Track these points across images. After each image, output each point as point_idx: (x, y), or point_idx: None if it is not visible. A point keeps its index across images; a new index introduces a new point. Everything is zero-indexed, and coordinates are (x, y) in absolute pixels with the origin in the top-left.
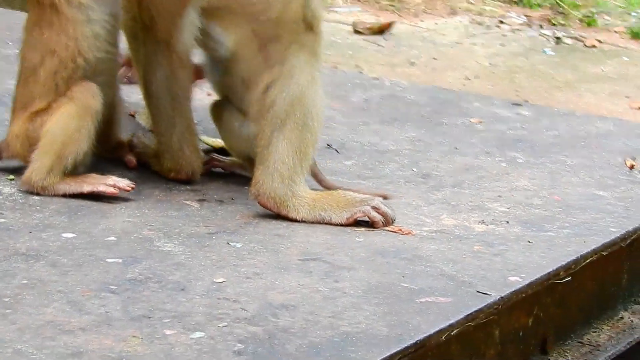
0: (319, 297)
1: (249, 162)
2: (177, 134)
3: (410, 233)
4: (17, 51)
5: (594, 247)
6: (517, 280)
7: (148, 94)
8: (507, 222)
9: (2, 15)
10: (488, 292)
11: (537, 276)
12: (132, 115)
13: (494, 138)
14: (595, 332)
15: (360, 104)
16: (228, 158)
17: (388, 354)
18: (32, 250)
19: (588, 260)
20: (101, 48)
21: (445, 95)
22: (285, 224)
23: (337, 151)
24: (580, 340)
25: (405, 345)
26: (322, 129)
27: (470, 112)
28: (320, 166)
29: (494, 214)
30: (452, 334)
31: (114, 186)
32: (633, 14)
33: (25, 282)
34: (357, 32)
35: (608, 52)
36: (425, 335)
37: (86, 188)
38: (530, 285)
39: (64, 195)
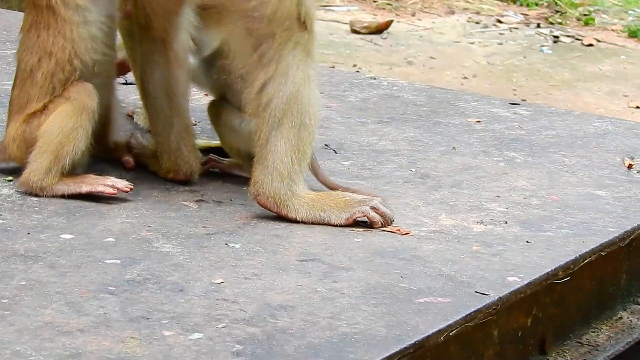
0: (318, 298)
1: (250, 160)
2: (174, 134)
3: (408, 233)
4: (15, 52)
5: (592, 247)
6: (516, 281)
7: (145, 94)
8: (506, 222)
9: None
10: (487, 293)
11: (536, 276)
12: (130, 116)
13: (492, 138)
14: (594, 332)
15: (357, 103)
16: (226, 159)
17: (387, 354)
18: (31, 251)
19: (587, 260)
20: (98, 50)
21: (442, 94)
22: (283, 224)
23: (335, 151)
24: (579, 340)
25: (404, 345)
26: (318, 128)
27: (468, 112)
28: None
29: (492, 214)
30: (450, 334)
31: (112, 187)
32: (630, 12)
33: (23, 283)
34: (354, 31)
35: (606, 50)
36: (423, 335)
37: (85, 188)
38: (529, 285)
39: (62, 196)
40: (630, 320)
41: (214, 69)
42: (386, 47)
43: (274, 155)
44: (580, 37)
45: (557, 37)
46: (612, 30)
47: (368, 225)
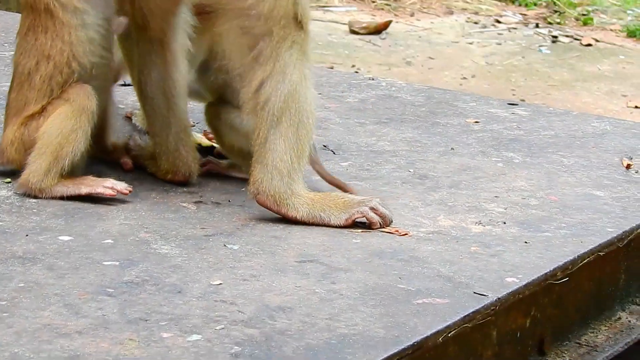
0: (316, 299)
1: (251, 160)
2: (172, 134)
3: (407, 234)
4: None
5: (591, 247)
6: (514, 281)
7: (143, 95)
8: (504, 223)
9: None
10: (485, 293)
11: (534, 277)
12: (129, 117)
13: (490, 138)
14: (592, 332)
15: (356, 104)
16: (224, 161)
17: (385, 355)
18: (29, 253)
19: (585, 261)
20: (96, 52)
21: (441, 95)
22: (282, 226)
23: (333, 152)
24: (577, 340)
25: (402, 347)
26: (316, 127)
27: (467, 112)
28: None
29: (490, 214)
30: (449, 335)
31: (112, 188)
32: (629, 12)
33: (22, 285)
34: (353, 31)
35: (604, 50)
36: (422, 336)
37: (84, 190)
38: (527, 286)
39: (61, 198)
40: (629, 321)
41: (209, 71)
42: (385, 47)
43: (273, 153)
44: (578, 37)
45: (555, 37)
46: (611, 30)
47: (367, 226)
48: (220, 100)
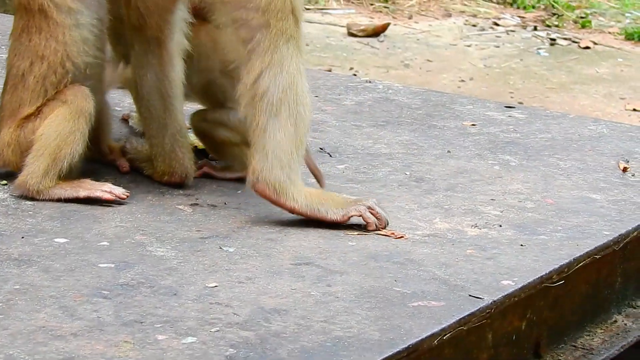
0: (311, 302)
1: (243, 157)
2: (168, 136)
3: (402, 237)
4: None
5: (587, 250)
6: (510, 284)
7: (139, 96)
8: (500, 226)
9: None
10: (481, 296)
11: (530, 280)
12: (125, 120)
13: (486, 141)
14: (588, 335)
15: (352, 107)
16: (220, 163)
17: (380, 358)
18: (25, 255)
19: (581, 264)
20: (89, 52)
21: (438, 98)
22: (277, 228)
23: (329, 155)
24: (573, 343)
25: (398, 349)
26: (311, 120)
27: (463, 115)
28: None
29: (487, 217)
30: (444, 338)
31: (110, 192)
32: (627, 14)
33: (17, 287)
34: (351, 34)
35: (602, 53)
36: (417, 339)
37: (82, 193)
38: (523, 288)
39: (59, 200)
40: (625, 324)
41: (193, 71)
42: (383, 50)
43: (273, 143)
44: (577, 40)
45: (553, 39)
46: (609, 32)
47: (362, 227)
48: (204, 102)
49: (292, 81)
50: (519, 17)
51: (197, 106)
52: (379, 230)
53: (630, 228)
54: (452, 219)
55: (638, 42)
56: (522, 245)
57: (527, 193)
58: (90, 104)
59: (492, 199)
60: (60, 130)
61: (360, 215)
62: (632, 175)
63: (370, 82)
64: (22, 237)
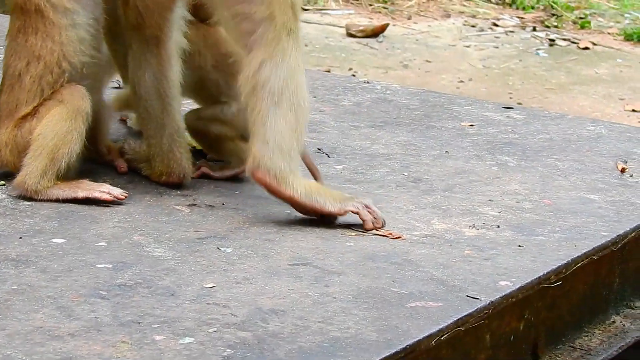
0: (309, 302)
1: (239, 154)
2: (166, 136)
3: (400, 237)
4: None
5: (585, 251)
6: (508, 285)
7: (137, 96)
8: (498, 227)
9: None
10: (478, 297)
11: (528, 280)
12: (124, 120)
13: (485, 142)
14: (586, 336)
15: (351, 107)
16: (217, 163)
17: (378, 359)
18: (22, 255)
19: (579, 265)
20: (86, 52)
21: (436, 98)
22: (275, 229)
23: (327, 155)
24: (571, 344)
25: (395, 350)
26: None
27: (462, 116)
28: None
29: (484, 218)
30: (442, 338)
31: (108, 193)
32: (626, 15)
33: (15, 287)
34: (350, 34)
35: (602, 54)
36: (415, 340)
37: (80, 194)
38: (520, 289)
39: (57, 201)
40: (623, 325)
41: (186, 70)
42: (382, 50)
43: (274, 131)
44: (576, 41)
45: (553, 40)
46: (608, 33)
47: (359, 228)
48: (197, 98)
49: (293, 72)
50: (518, 17)
51: (191, 106)
52: (376, 229)
53: (628, 229)
54: (450, 219)
55: (637, 43)
56: (519, 246)
57: (525, 194)
58: (86, 103)
59: (490, 200)
60: (57, 130)
61: (357, 212)
62: (630, 176)
63: (368, 82)
64: (20, 238)
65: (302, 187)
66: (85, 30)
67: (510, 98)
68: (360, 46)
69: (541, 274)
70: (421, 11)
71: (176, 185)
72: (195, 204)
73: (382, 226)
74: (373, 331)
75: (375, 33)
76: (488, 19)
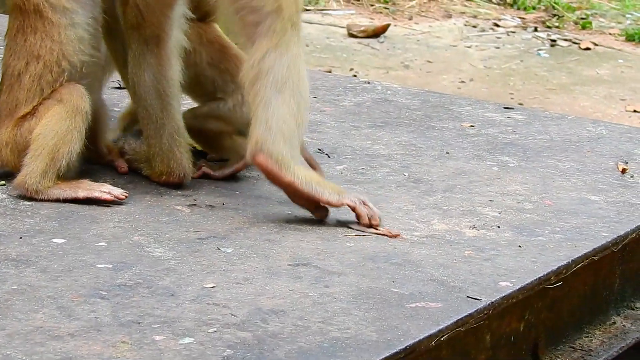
0: (309, 303)
1: (237, 149)
2: (166, 135)
3: (398, 235)
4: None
5: (585, 251)
6: (508, 285)
7: (137, 96)
8: (498, 227)
9: None
10: (478, 297)
11: (528, 281)
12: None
13: (485, 142)
14: (587, 337)
15: (351, 108)
16: (217, 164)
17: (378, 359)
18: (23, 255)
19: (579, 265)
20: (85, 51)
21: (436, 99)
22: (275, 229)
23: (328, 155)
24: (572, 345)
25: (395, 350)
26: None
27: (462, 116)
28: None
29: (485, 218)
30: (442, 339)
31: (109, 193)
32: (628, 15)
33: (15, 287)
34: (351, 35)
35: (603, 54)
36: (415, 340)
37: (81, 194)
38: (521, 290)
39: (57, 200)
40: (624, 325)
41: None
42: (383, 51)
43: (277, 117)
44: (577, 41)
45: (554, 40)
46: (610, 34)
47: (357, 226)
48: (194, 95)
49: (296, 62)
50: (520, 18)
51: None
52: (374, 227)
53: (629, 229)
54: (450, 220)
55: (638, 44)
56: (520, 246)
57: (526, 194)
58: (86, 102)
59: (490, 200)
60: (57, 130)
61: (353, 206)
62: (631, 177)
63: (369, 83)
64: (20, 238)
65: (302, 174)
66: (84, 29)
67: (512, 98)
68: (362, 46)
69: (541, 274)
70: (422, 11)
71: (176, 185)
72: (195, 204)
73: (379, 223)
74: (373, 331)
75: (377, 33)
76: (489, 19)
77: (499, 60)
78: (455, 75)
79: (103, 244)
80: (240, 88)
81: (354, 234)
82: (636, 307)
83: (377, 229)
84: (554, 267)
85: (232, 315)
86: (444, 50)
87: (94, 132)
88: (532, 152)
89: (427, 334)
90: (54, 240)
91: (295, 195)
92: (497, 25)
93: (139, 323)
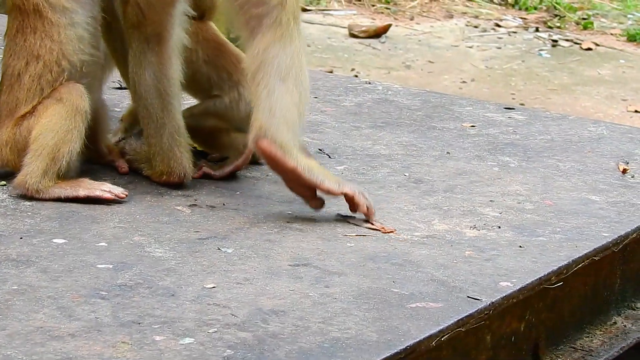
0: (309, 303)
1: (235, 146)
2: (167, 135)
3: (392, 232)
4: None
5: (585, 252)
6: (509, 285)
7: (137, 95)
8: (499, 227)
9: None
10: (479, 298)
11: (529, 281)
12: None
13: (486, 142)
14: (588, 337)
15: (352, 108)
16: (218, 164)
17: (378, 359)
18: (23, 256)
19: (580, 266)
20: (85, 50)
21: (437, 99)
22: (276, 229)
23: (329, 156)
24: (572, 345)
25: (395, 350)
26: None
27: (463, 116)
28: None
29: (485, 219)
30: (442, 339)
31: (109, 192)
32: (629, 16)
33: (15, 287)
34: (352, 35)
35: (604, 54)
36: (415, 340)
37: (81, 192)
38: (521, 290)
39: (57, 200)
40: (625, 325)
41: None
42: (384, 51)
43: (280, 105)
44: (579, 41)
45: (555, 41)
46: (611, 34)
47: (356, 225)
48: (190, 92)
49: (298, 54)
50: (521, 18)
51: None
52: (370, 222)
53: (630, 230)
54: (450, 220)
55: None
56: (520, 246)
57: (526, 194)
58: (85, 102)
59: (491, 200)
60: (57, 130)
61: (352, 195)
62: (632, 177)
63: (369, 83)
64: (21, 238)
65: (304, 161)
66: (84, 28)
67: (513, 99)
68: (363, 47)
69: (542, 274)
70: (424, 12)
71: (177, 185)
72: (196, 205)
73: (374, 213)
74: (373, 332)
75: (378, 34)
76: (491, 19)
77: (501, 60)
78: (456, 75)
79: (103, 244)
80: (236, 85)
81: (354, 234)
82: (637, 307)
83: (372, 224)
84: (555, 267)
85: (233, 315)
86: (446, 51)
87: (94, 132)
88: (532, 152)
89: (427, 334)
90: (55, 240)
91: (296, 182)
92: (499, 26)
93: (139, 323)
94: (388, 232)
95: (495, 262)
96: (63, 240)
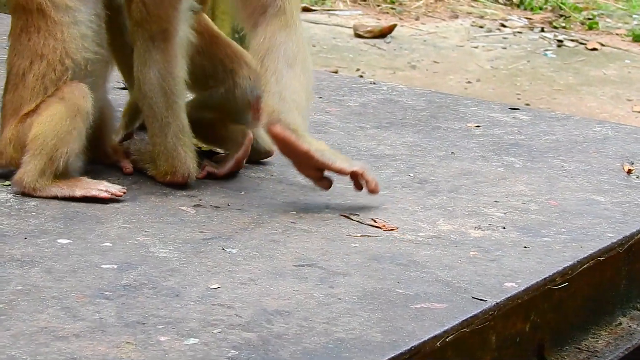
0: (314, 303)
1: (234, 140)
2: (171, 134)
3: (394, 229)
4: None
5: (590, 252)
6: (513, 286)
7: (141, 94)
8: (504, 228)
9: None
10: (484, 298)
11: (534, 282)
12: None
13: (491, 143)
14: (593, 337)
15: (356, 108)
16: (221, 163)
17: None
18: (27, 256)
19: (585, 266)
20: (89, 49)
21: (442, 99)
22: (280, 230)
23: None
24: (577, 346)
25: (400, 351)
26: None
27: (468, 117)
28: None
29: (490, 219)
30: (447, 340)
31: (106, 191)
32: (635, 16)
33: (20, 288)
34: (358, 35)
35: (610, 55)
36: (420, 341)
37: (78, 192)
38: (526, 291)
39: (62, 200)
40: (630, 326)
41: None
42: (390, 51)
43: (289, 90)
44: (584, 42)
45: (561, 41)
46: (616, 34)
47: (358, 225)
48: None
49: (302, 42)
50: (526, 18)
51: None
52: (372, 220)
53: (635, 230)
54: (455, 220)
55: None
56: (525, 247)
57: (531, 195)
58: (87, 103)
59: (495, 201)
60: (57, 130)
61: (362, 172)
62: (637, 177)
63: (374, 83)
64: (25, 238)
65: (315, 144)
66: (87, 26)
67: (518, 99)
68: (368, 47)
69: (547, 275)
70: (429, 12)
71: (181, 184)
72: (200, 205)
73: (379, 190)
74: (378, 332)
75: (383, 34)
76: (496, 19)
77: (506, 60)
78: (462, 75)
79: (108, 244)
80: (231, 73)
81: (358, 235)
82: None
83: (375, 221)
84: (560, 268)
85: (237, 315)
86: (451, 51)
87: (99, 132)
88: (537, 152)
89: (432, 335)
90: (59, 240)
91: (308, 164)
92: (504, 26)
93: (143, 324)
94: (389, 230)
95: (500, 263)
96: (67, 241)
